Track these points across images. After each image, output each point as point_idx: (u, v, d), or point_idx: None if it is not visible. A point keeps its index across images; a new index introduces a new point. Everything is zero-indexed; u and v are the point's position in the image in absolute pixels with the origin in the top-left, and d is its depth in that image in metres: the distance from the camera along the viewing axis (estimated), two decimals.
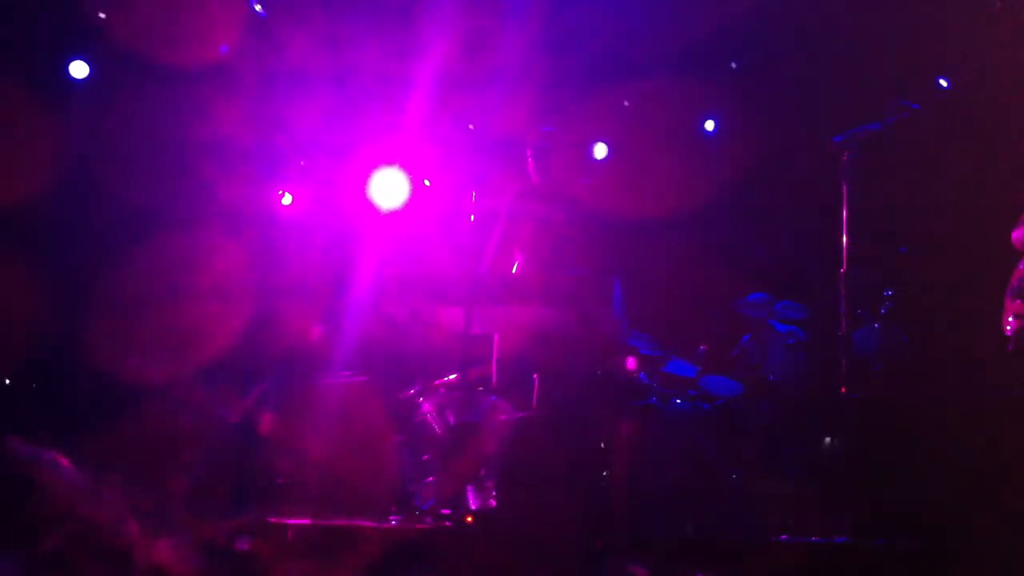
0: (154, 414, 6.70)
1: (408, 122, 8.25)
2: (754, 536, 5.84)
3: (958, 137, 8.08)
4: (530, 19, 8.64)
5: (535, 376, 6.06)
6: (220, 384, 7.13)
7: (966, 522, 4.94)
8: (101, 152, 8.73)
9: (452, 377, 6.91)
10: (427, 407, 6.79)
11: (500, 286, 6.06)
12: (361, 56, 8.59)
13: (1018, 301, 6.12)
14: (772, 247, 9.36)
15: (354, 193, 7.74)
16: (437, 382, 6.98)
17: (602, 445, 5.78)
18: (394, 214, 7.57)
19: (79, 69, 8.76)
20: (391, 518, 6.08)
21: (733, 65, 9.47)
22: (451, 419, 6.65)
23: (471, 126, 8.82)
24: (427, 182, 7.57)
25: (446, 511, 6.02)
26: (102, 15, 8.53)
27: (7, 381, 8.54)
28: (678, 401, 7.04)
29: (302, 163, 8.33)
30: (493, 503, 5.87)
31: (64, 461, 5.35)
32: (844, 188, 6.08)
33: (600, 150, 9.39)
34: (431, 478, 6.51)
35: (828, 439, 7.06)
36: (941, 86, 6.89)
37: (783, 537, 5.59)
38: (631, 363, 6.68)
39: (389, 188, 7.50)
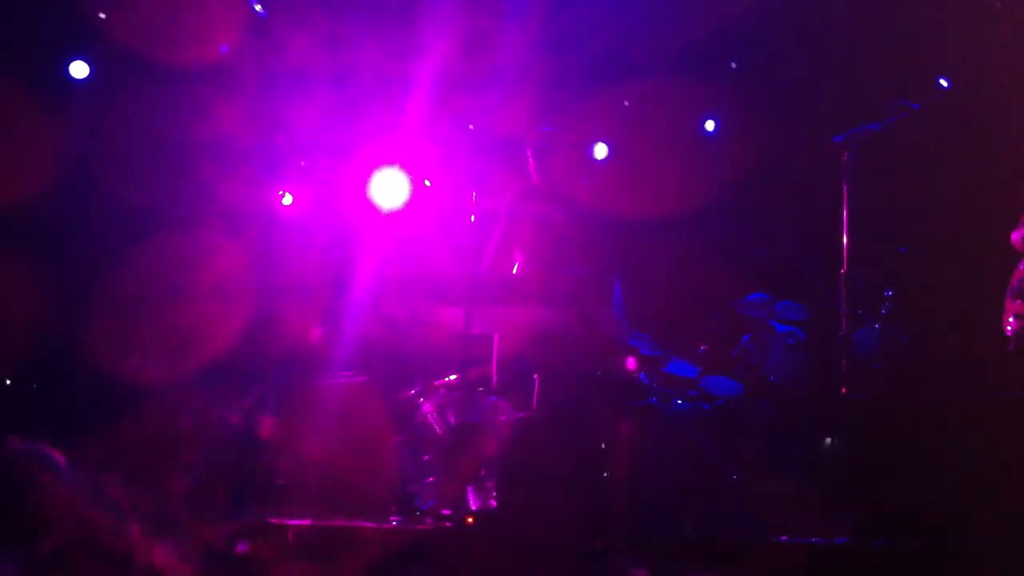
0: (154, 414, 6.69)
1: (408, 122, 8.25)
2: (754, 536, 5.84)
3: (958, 137, 8.07)
4: (530, 19, 8.64)
5: (535, 376, 6.06)
6: (220, 385, 7.13)
7: (966, 522, 4.94)
8: (101, 152, 8.73)
9: (452, 377, 6.91)
10: (427, 407, 6.79)
11: (500, 286, 6.05)
12: (361, 56, 8.59)
13: (1018, 301, 6.12)
14: (772, 247, 9.36)
15: (354, 193, 7.74)
16: (437, 382, 6.98)
17: (602, 445, 5.77)
18: (394, 214, 7.56)
19: (79, 69, 8.76)
20: (391, 519, 6.08)
21: (733, 65, 9.47)
22: (451, 419, 6.65)
23: (471, 126, 8.82)
24: (427, 182, 7.57)
25: (446, 512, 6.02)
26: (102, 15, 8.52)
27: (7, 381, 8.54)
28: (679, 401, 7.04)
29: (302, 163, 8.32)
30: (493, 503, 5.86)
31: (63, 461, 5.35)
32: (844, 188, 6.07)
33: (600, 150, 9.39)
34: (431, 479, 6.51)
35: (828, 439, 7.06)
36: (941, 86, 6.88)
37: (783, 538, 5.58)
38: (631, 363, 6.68)
39: (389, 188, 7.50)
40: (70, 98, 8.87)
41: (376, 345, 7.18)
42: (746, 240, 9.44)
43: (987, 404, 5.37)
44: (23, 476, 5.19)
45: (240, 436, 6.60)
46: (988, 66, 7.84)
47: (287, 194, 8.29)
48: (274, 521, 5.59)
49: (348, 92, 8.70)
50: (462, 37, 8.43)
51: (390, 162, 7.54)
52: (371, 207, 7.57)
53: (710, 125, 9.78)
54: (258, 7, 7.59)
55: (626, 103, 9.51)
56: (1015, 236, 6.20)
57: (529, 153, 6.45)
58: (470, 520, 5.77)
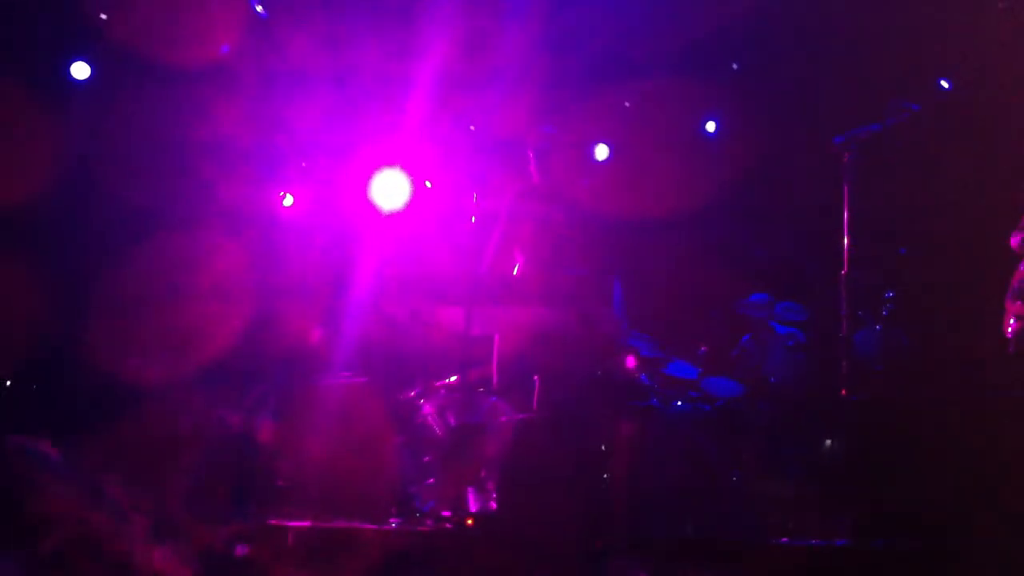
0: (154, 415, 6.69)
1: (408, 122, 8.25)
2: (754, 537, 5.84)
3: (958, 137, 8.07)
4: (530, 19, 8.64)
5: (535, 377, 6.06)
6: (220, 385, 7.12)
7: (966, 522, 4.94)
8: (101, 152, 8.73)
9: (452, 378, 6.91)
10: (427, 408, 6.79)
11: (500, 287, 6.05)
12: (361, 56, 8.58)
13: (1018, 303, 6.12)
14: (772, 247, 9.36)
15: (354, 193, 7.74)
16: (437, 383, 6.97)
17: (602, 446, 5.77)
18: (395, 214, 7.56)
19: (80, 70, 8.76)
20: (391, 520, 6.07)
21: (734, 66, 9.47)
22: (451, 420, 6.65)
23: (472, 127, 8.81)
24: (428, 183, 7.57)
25: (446, 513, 6.01)
26: (103, 16, 8.52)
27: (7, 381, 8.54)
28: (679, 403, 7.04)
29: (303, 164, 8.32)
30: (493, 505, 5.86)
31: (63, 461, 5.35)
32: (844, 189, 6.07)
33: (601, 151, 9.39)
34: (431, 480, 6.50)
35: (828, 440, 7.06)
36: (942, 87, 6.88)
37: (783, 540, 5.58)
38: (631, 361, 6.68)
39: (390, 189, 7.50)
40: (70, 98, 8.87)
41: (376, 346, 7.18)
42: (746, 241, 9.44)
43: (987, 405, 5.38)
44: (23, 476, 5.19)
45: (240, 437, 6.60)
46: (988, 66, 7.83)
47: (288, 195, 8.29)
48: (274, 522, 5.58)
49: (348, 92, 8.70)
50: (462, 37, 8.42)
51: (390, 163, 7.53)
52: (371, 207, 7.57)
53: (711, 127, 9.78)
54: (259, 8, 7.59)
55: (627, 104, 9.51)
56: (1014, 239, 6.20)
57: (530, 153, 6.45)
58: (470, 521, 5.76)
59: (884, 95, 6.36)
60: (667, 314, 8.18)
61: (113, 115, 8.67)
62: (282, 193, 8.23)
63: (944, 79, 6.94)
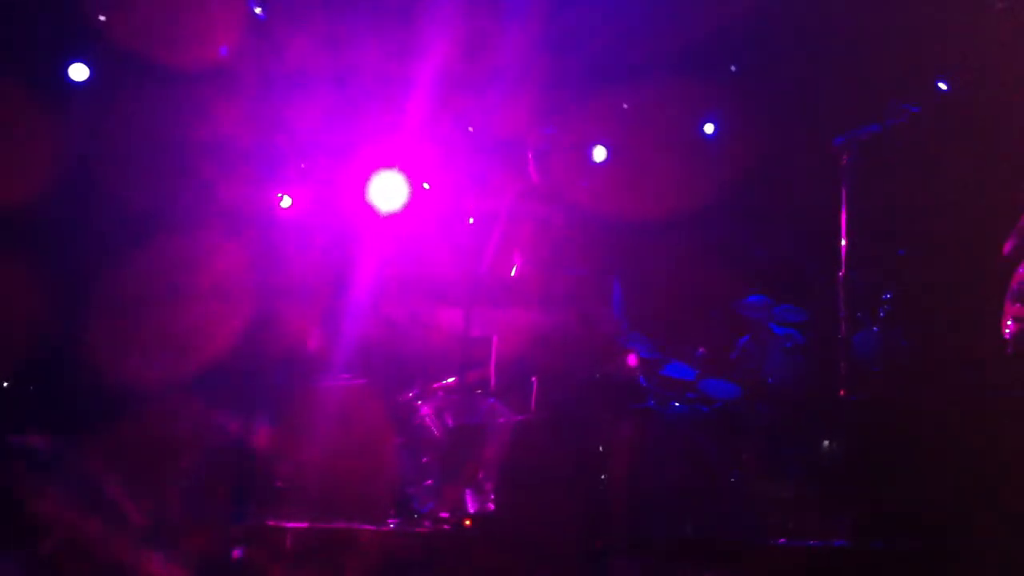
0: (153, 417, 6.69)
1: (408, 123, 8.25)
2: (754, 537, 5.84)
3: (958, 137, 8.06)
4: (530, 19, 8.63)
5: (534, 379, 6.06)
6: (219, 386, 7.12)
7: (966, 522, 4.94)
8: (101, 152, 8.73)
9: (451, 380, 6.91)
10: (426, 410, 6.79)
11: (499, 288, 6.05)
12: (361, 56, 8.58)
13: (1018, 304, 6.11)
14: (772, 248, 9.36)
15: (354, 194, 7.74)
16: (436, 385, 6.97)
17: (601, 448, 5.77)
18: (393, 216, 7.57)
19: (79, 72, 8.76)
20: (390, 521, 6.07)
21: (733, 68, 9.47)
22: (450, 422, 6.65)
23: (471, 128, 8.81)
24: (426, 185, 7.57)
25: (445, 514, 6.02)
26: (102, 17, 8.52)
27: (7, 381, 8.54)
28: (676, 404, 7.03)
29: (303, 164, 8.32)
30: (492, 506, 5.86)
31: (62, 462, 5.36)
32: (844, 190, 6.07)
33: (600, 151, 9.39)
34: (430, 481, 6.51)
35: (827, 441, 7.06)
36: (941, 88, 6.87)
37: (783, 540, 5.58)
38: (632, 360, 6.67)
39: (388, 191, 7.49)
40: (70, 98, 8.87)
41: (375, 347, 7.18)
42: (746, 241, 9.43)
43: (986, 405, 5.38)
44: (22, 477, 5.20)
45: (238, 439, 6.60)
46: (988, 66, 7.82)
47: (286, 196, 8.29)
48: (272, 523, 5.58)
49: (348, 93, 8.69)
50: (462, 37, 8.42)
51: (389, 164, 7.53)
52: (371, 208, 7.57)
53: (710, 128, 9.77)
54: (258, 10, 7.59)
55: (625, 105, 9.51)
56: (1007, 246, 6.19)
57: (529, 154, 6.44)
58: (468, 522, 5.77)
59: (884, 96, 6.34)
60: (666, 314, 8.19)
61: (113, 116, 8.67)
62: (280, 194, 8.24)
63: (942, 80, 6.93)
